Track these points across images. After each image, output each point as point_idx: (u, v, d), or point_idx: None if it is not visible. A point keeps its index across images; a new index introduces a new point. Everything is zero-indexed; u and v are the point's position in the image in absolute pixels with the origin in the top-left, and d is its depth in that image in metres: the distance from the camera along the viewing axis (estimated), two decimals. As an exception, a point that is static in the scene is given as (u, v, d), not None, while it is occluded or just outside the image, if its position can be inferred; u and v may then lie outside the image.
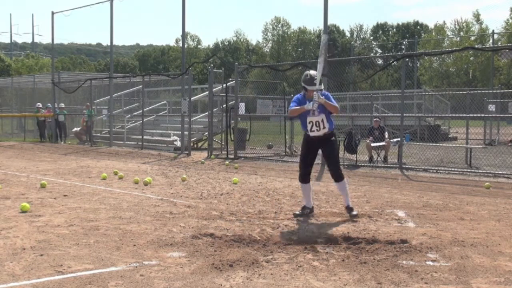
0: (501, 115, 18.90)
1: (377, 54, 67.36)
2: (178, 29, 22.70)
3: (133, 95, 24.97)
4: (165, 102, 23.63)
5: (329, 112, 6.45)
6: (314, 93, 6.34)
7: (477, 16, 57.24)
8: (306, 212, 6.62)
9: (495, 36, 34.91)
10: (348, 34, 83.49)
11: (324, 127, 6.44)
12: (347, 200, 6.63)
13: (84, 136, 22.61)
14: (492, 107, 19.27)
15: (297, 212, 6.64)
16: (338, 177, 6.56)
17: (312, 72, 6.56)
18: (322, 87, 6.57)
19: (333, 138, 6.61)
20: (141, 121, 19.64)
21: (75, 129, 23.61)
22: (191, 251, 4.90)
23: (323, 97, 6.37)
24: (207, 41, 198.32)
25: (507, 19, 52.16)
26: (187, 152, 16.30)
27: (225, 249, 4.96)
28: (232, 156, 15.09)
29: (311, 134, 6.49)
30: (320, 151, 6.73)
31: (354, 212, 6.51)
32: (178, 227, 5.91)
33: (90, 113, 22.06)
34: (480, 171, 11.49)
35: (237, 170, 12.28)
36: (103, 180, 10.26)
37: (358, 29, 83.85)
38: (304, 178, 6.67)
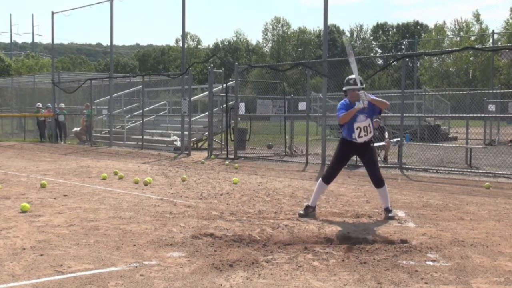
0: (501, 115, 18.91)
1: (377, 54, 67.34)
2: (178, 29, 22.71)
3: (133, 95, 24.98)
4: (165, 102, 23.63)
5: (372, 117, 6.46)
6: (360, 92, 6.28)
7: (477, 16, 57.30)
8: (310, 211, 6.63)
9: (495, 36, 34.92)
10: (348, 34, 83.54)
11: (371, 132, 6.43)
12: (387, 203, 6.56)
13: (84, 136, 22.62)
14: (492, 107, 19.28)
15: (302, 212, 6.63)
16: (379, 182, 6.51)
17: (351, 76, 6.55)
18: (364, 86, 6.52)
19: (371, 144, 6.61)
20: (141, 121, 19.64)
21: (75, 129, 23.62)
22: (191, 251, 4.90)
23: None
24: (207, 41, 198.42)
25: (507, 19, 52.22)
26: (187, 152, 16.30)
27: (225, 249, 4.96)
28: (232, 156, 15.09)
29: (359, 140, 6.39)
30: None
31: (390, 214, 6.46)
32: (178, 227, 5.91)
33: (89, 113, 22.19)
34: (480, 171, 11.49)
35: (237, 170, 12.28)
36: (103, 180, 10.26)
37: (358, 29, 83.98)
38: (329, 180, 6.66)
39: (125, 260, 4.61)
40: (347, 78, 6.58)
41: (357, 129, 6.37)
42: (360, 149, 6.54)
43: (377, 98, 6.39)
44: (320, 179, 6.74)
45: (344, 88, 6.54)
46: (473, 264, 4.53)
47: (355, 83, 6.42)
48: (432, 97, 24.28)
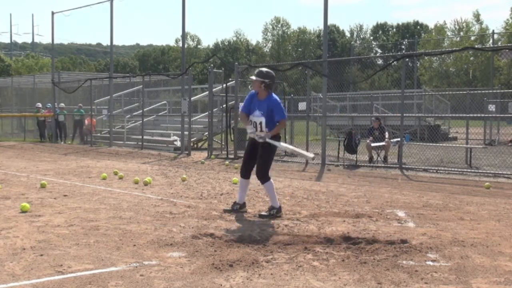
0: (501, 115, 18.90)
1: (377, 54, 67.33)
2: (178, 29, 22.70)
3: (133, 95, 24.98)
4: (165, 102, 23.63)
5: (272, 119, 6.53)
6: (262, 134, 6.48)
7: (477, 16, 57.26)
8: (237, 207, 6.73)
9: (495, 36, 34.92)
10: (348, 34, 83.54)
11: (261, 130, 6.55)
12: (271, 201, 6.67)
13: (85, 136, 22.61)
14: (492, 107, 19.28)
15: (228, 208, 6.81)
16: (260, 178, 6.60)
17: (263, 68, 6.75)
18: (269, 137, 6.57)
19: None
20: (141, 121, 19.64)
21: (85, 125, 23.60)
22: (191, 251, 4.90)
23: (271, 106, 6.47)
24: (207, 41, 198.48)
25: (507, 19, 52.17)
26: (187, 152, 16.30)
27: (225, 249, 4.96)
28: (232, 156, 15.09)
29: (249, 134, 6.67)
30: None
31: (263, 213, 6.58)
32: (178, 227, 5.91)
33: (82, 113, 22.78)
34: (480, 171, 11.49)
35: (237, 170, 12.26)
36: (103, 180, 10.25)
37: (358, 29, 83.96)
38: (244, 173, 6.77)
39: (125, 260, 4.61)
40: (266, 71, 6.60)
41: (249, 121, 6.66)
42: (256, 141, 6.64)
43: (271, 134, 6.51)
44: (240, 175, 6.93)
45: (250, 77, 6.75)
46: (473, 264, 4.53)
47: (258, 75, 6.50)
48: (432, 97, 24.28)
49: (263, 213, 6.61)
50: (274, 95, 6.62)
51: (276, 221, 6.29)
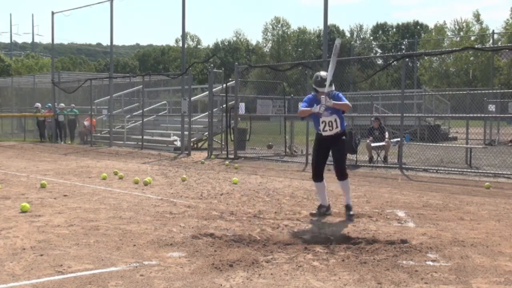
0: (501, 115, 18.89)
1: (377, 54, 67.32)
2: (178, 29, 22.70)
3: (133, 95, 24.98)
4: (165, 102, 23.63)
5: (341, 112, 6.56)
6: (322, 96, 6.39)
7: (477, 16, 57.26)
8: (323, 210, 6.69)
9: (495, 36, 34.92)
10: (348, 34, 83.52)
11: (336, 127, 6.57)
12: (348, 199, 6.67)
13: (87, 135, 22.60)
14: (492, 107, 19.27)
15: (314, 212, 6.72)
16: (341, 175, 6.61)
17: (322, 73, 6.67)
18: (333, 88, 6.59)
19: (343, 137, 6.72)
20: (141, 121, 19.64)
21: (85, 123, 23.62)
22: (191, 251, 4.90)
23: (332, 99, 6.41)
24: (207, 41, 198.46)
25: (507, 19, 52.17)
26: (187, 152, 16.30)
27: (225, 249, 4.96)
28: (232, 156, 15.09)
29: (324, 133, 6.61)
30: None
31: (351, 212, 6.54)
32: (178, 227, 5.91)
33: (75, 113, 23.12)
34: (480, 171, 11.49)
35: (237, 170, 12.28)
36: (103, 180, 10.26)
37: (358, 29, 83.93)
38: (317, 176, 6.74)
39: (125, 260, 4.61)
40: (319, 75, 6.61)
41: (322, 123, 6.59)
42: (331, 141, 6.65)
43: (338, 102, 6.44)
44: (313, 180, 6.86)
45: (313, 86, 6.64)
46: (473, 264, 4.53)
47: (320, 85, 6.48)
48: (432, 97, 24.28)
49: (351, 212, 6.54)
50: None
51: (276, 221, 6.29)
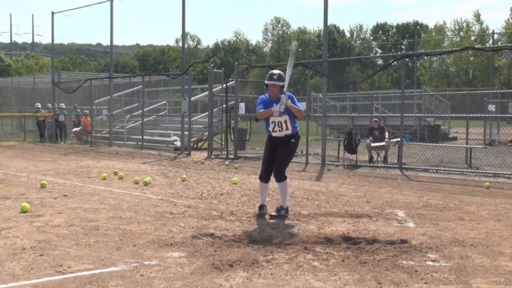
0: (501, 115, 18.89)
1: (377, 54, 67.31)
2: (178, 29, 22.69)
3: (133, 95, 24.98)
4: (165, 102, 23.63)
5: (293, 115, 6.48)
6: (282, 95, 6.36)
7: (477, 16, 57.28)
8: (265, 210, 6.64)
9: (495, 36, 34.90)
10: (348, 34, 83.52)
11: (287, 129, 6.48)
12: (284, 201, 6.61)
13: (85, 136, 22.63)
14: (492, 107, 19.25)
15: (258, 212, 6.61)
16: (279, 176, 6.53)
17: (275, 70, 6.61)
18: (285, 89, 6.49)
19: (293, 140, 6.61)
20: (141, 121, 19.64)
21: (75, 129, 23.65)
22: (191, 251, 4.90)
23: (289, 99, 6.37)
24: (207, 41, 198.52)
25: (507, 19, 52.15)
26: (187, 152, 16.29)
27: (225, 249, 4.96)
28: (232, 156, 15.09)
29: (273, 134, 6.53)
30: None
31: (275, 213, 6.51)
32: (178, 227, 5.91)
33: (78, 113, 23.10)
34: (480, 171, 11.49)
35: (237, 170, 12.27)
36: (103, 180, 10.26)
37: (358, 29, 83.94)
38: (264, 177, 6.67)
39: (125, 260, 4.61)
40: (270, 72, 6.53)
41: (272, 123, 6.49)
42: (281, 143, 6.58)
43: (295, 106, 6.41)
44: (258, 179, 6.77)
45: (266, 82, 6.51)
46: (473, 264, 4.53)
47: (279, 79, 6.41)
48: (432, 97, 24.28)
49: (273, 213, 6.57)
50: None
51: (276, 221, 6.29)
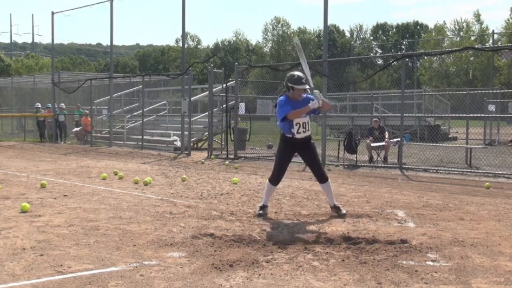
0: (501, 115, 18.90)
1: (377, 54, 67.32)
2: (178, 29, 22.71)
3: (133, 95, 24.98)
4: (165, 102, 23.63)
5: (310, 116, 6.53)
6: (315, 91, 6.39)
7: (477, 16, 57.28)
8: (266, 211, 6.64)
9: (495, 36, 34.90)
10: (348, 34, 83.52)
11: (309, 130, 6.49)
12: (333, 200, 6.67)
13: (85, 136, 22.64)
14: (492, 107, 19.27)
15: (260, 212, 6.59)
16: (323, 178, 6.60)
17: (296, 72, 6.56)
18: (312, 85, 6.59)
19: (312, 140, 6.67)
20: (141, 121, 19.64)
21: (75, 129, 23.66)
22: (191, 251, 4.90)
23: (316, 98, 6.37)
24: (207, 41, 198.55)
25: (507, 19, 52.17)
26: (187, 152, 16.29)
27: (225, 249, 4.96)
28: (232, 156, 15.09)
29: (298, 136, 6.44)
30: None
31: (343, 211, 6.56)
32: (178, 227, 5.91)
33: (81, 113, 23.00)
34: (480, 171, 11.49)
35: (237, 170, 12.27)
36: (103, 180, 10.25)
37: (358, 29, 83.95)
38: (277, 180, 6.65)
39: (125, 260, 4.61)
40: (297, 76, 6.38)
41: (296, 124, 6.39)
42: (300, 145, 6.56)
43: (326, 100, 6.48)
44: (268, 180, 6.73)
45: (293, 85, 6.34)
46: (473, 264, 4.53)
47: (298, 83, 6.34)
48: (432, 97, 24.28)
49: (343, 211, 6.56)
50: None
51: (276, 221, 6.29)
